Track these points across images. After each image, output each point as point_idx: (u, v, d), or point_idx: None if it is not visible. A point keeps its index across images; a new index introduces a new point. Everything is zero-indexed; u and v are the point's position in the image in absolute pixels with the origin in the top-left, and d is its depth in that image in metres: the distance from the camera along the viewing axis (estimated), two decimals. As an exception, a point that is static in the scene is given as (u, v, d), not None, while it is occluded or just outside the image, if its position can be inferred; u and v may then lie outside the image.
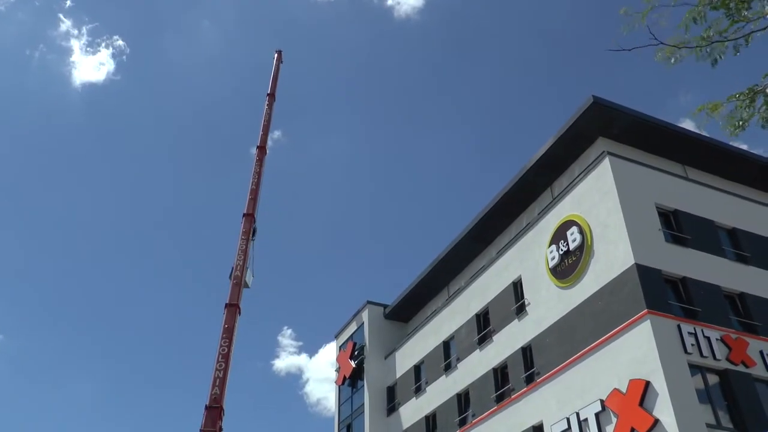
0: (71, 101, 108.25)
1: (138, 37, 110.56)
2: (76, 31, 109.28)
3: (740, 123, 8.48)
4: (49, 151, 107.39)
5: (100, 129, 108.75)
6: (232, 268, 37.50)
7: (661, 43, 8.46)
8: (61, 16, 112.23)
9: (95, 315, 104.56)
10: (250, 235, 38.67)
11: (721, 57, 8.18)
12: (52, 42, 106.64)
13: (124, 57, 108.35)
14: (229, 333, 32.74)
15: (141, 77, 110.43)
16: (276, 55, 51.59)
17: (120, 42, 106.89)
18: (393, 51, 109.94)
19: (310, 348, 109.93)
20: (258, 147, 43.79)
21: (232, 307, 34.35)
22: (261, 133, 44.99)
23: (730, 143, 30.63)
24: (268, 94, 48.00)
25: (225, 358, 31.34)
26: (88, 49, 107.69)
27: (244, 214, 39.60)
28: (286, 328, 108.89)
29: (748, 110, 8.34)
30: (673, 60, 8.46)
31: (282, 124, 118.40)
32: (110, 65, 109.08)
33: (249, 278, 37.78)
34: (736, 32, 8.01)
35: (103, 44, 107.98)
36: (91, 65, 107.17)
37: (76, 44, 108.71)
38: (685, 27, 8.25)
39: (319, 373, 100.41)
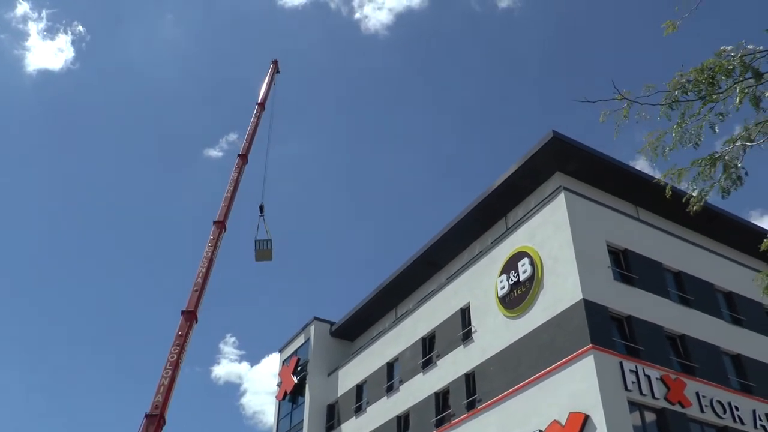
0: (23, 88, 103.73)
1: (99, 26, 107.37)
2: (35, 15, 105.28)
3: (701, 196, 8.85)
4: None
5: (52, 119, 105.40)
6: (256, 242, 40.25)
7: (625, 98, 8.74)
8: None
9: (37, 312, 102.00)
10: (216, 239, 38.04)
11: (699, 139, 8.51)
12: (6, 24, 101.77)
13: (84, 44, 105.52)
14: (181, 340, 31.89)
15: (100, 67, 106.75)
16: (272, 65, 50.47)
17: (80, 28, 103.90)
18: (357, 65, 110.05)
19: (251, 359, 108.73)
20: (239, 155, 43.02)
21: (189, 314, 33.48)
22: (245, 141, 44.16)
23: (681, 188, 31.35)
24: (257, 103, 46.95)
25: (173, 365, 30.46)
26: (45, 33, 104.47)
27: (214, 222, 38.81)
28: (229, 335, 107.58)
29: (709, 178, 8.67)
30: (658, 154, 8.81)
31: (239, 127, 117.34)
32: (69, 52, 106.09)
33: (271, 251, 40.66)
34: (709, 112, 8.35)
35: (62, 30, 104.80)
36: (48, 51, 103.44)
37: (33, 27, 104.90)
38: (666, 116, 8.56)
39: (258, 385, 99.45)
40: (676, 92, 8.30)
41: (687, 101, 8.31)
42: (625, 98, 8.58)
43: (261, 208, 41.98)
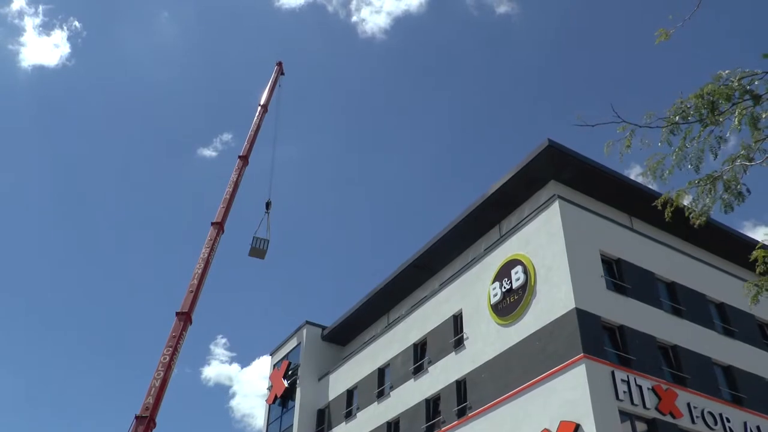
0: (18, 84, 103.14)
1: (95, 22, 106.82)
2: (31, 10, 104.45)
3: (704, 210, 8.82)
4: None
5: (47, 116, 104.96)
6: (254, 238, 41.56)
7: (624, 120, 8.71)
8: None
9: (31, 311, 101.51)
10: (214, 240, 37.82)
11: (700, 163, 8.49)
12: (2, 20, 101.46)
13: (80, 41, 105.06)
14: (174, 342, 31.69)
15: (95, 64, 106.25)
16: (276, 66, 50.03)
17: (76, 24, 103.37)
18: (353, 69, 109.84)
19: (242, 360, 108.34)
20: (240, 156, 42.72)
21: (183, 316, 33.25)
22: (246, 143, 43.84)
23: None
24: (260, 105, 46.54)
25: (165, 367, 30.28)
26: (41, 29, 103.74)
27: (212, 223, 38.53)
28: (220, 336, 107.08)
29: (711, 196, 8.65)
30: (657, 177, 8.80)
31: (233, 127, 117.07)
32: (65, 48, 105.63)
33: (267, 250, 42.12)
34: (709, 135, 8.32)
35: (58, 26, 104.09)
36: (44, 47, 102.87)
37: (29, 23, 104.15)
38: (667, 143, 8.54)
39: (248, 387, 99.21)
40: (677, 118, 8.27)
41: (688, 123, 8.29)
42: (625, 122, 8.53)
43: (267, 205, 42.62)
